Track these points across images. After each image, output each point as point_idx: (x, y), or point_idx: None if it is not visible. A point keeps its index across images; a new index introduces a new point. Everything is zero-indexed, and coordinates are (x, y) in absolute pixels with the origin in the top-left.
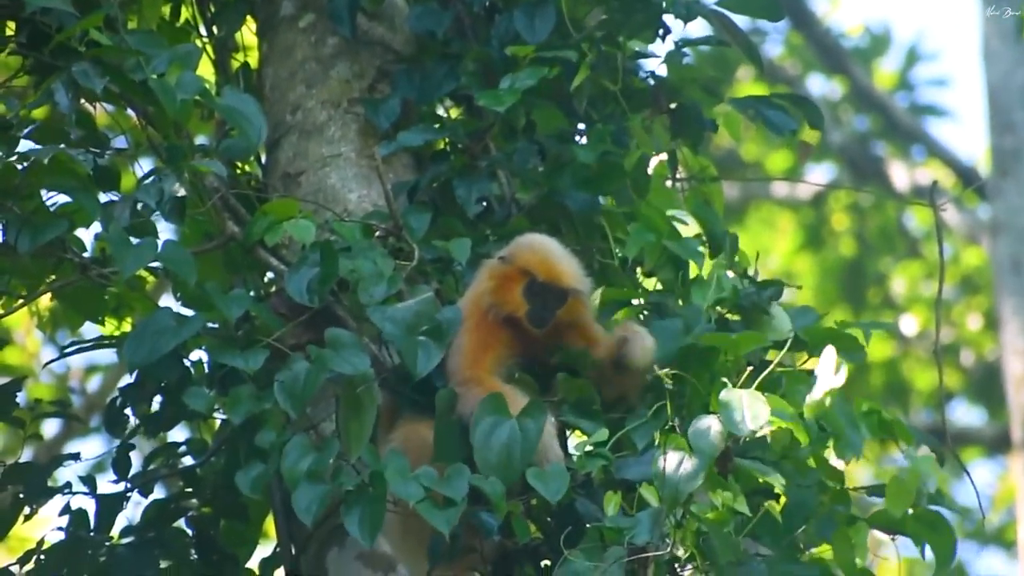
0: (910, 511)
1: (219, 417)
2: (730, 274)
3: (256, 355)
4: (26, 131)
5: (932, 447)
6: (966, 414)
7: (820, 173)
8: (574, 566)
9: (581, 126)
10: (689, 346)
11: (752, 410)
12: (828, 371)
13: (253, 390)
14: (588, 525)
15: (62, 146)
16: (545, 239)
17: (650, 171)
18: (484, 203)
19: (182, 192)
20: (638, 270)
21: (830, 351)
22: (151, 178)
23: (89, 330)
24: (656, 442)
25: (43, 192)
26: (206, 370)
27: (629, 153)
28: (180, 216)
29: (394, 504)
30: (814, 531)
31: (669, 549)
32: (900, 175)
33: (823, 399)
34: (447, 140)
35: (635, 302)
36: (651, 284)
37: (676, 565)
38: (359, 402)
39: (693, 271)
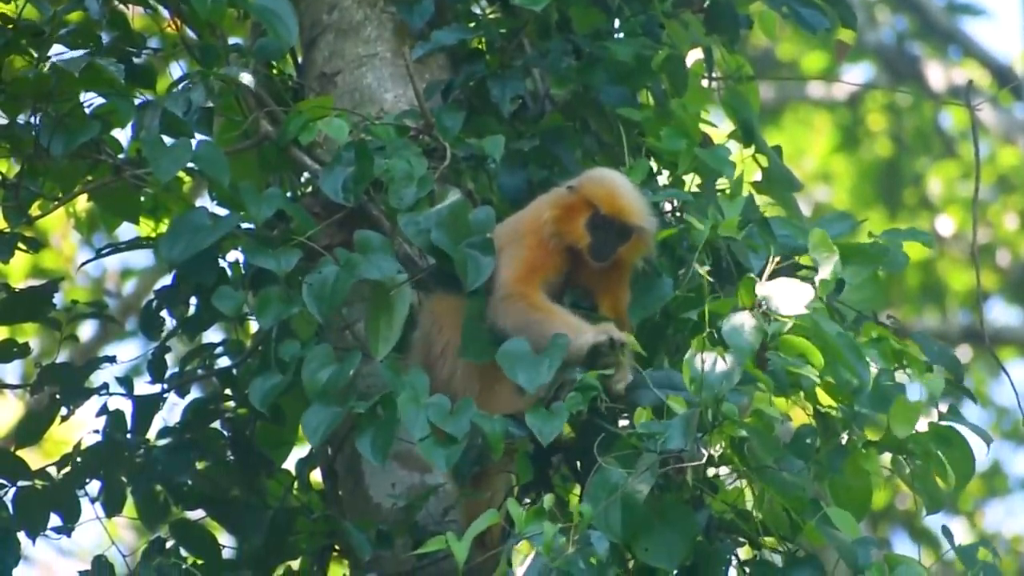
0: (923, 429)
1: (251, 318)
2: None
3: (288, 256)
4: (60, 34)
5: (972, 346)
6: (1003, 313)
7: (856, 73)
8: (607, 474)
9: (616, 23)
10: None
11: (790, 296)
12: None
13: (283, 292)
14: (621, 430)
15: (90, 55)
16: (615, 174)
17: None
18: (519, 100)
19: (209, 103)
20: (665, 173)
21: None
22: (180, 85)
23: (125, 232)
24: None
25: (80, 94)
26: (242, 271)
27: (664, 49)
28: (208, 126)
29: None
30: (825, 460)
31: (705, 453)
32: (936, 75)
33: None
34: (481, 39)
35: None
36: (687, 185)
37: (712, 470)
38: (389, 303)
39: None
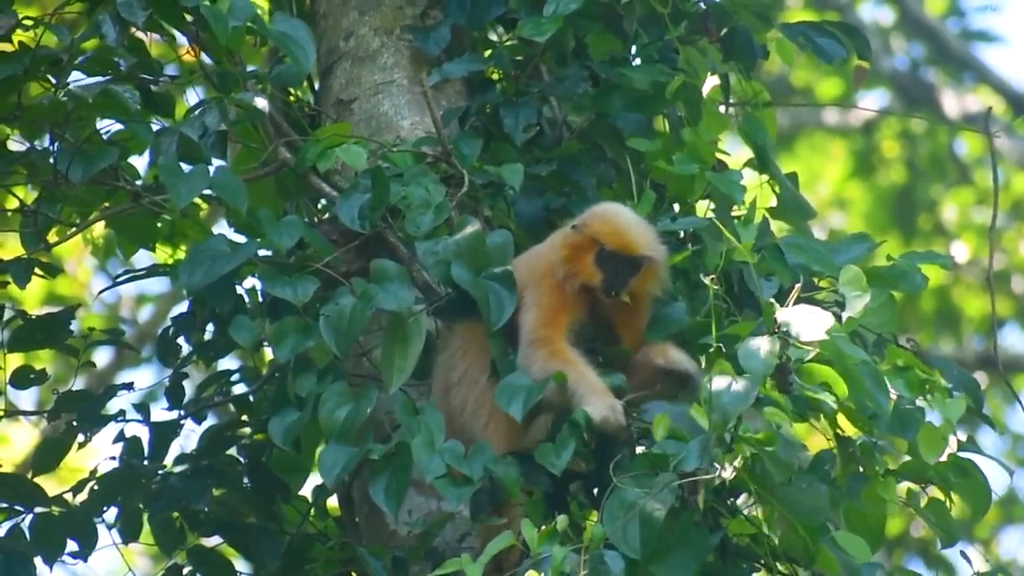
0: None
1: (268, 347)
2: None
3: (306, 285)
4: (77, 61)
5: (986, 373)
6: (1018, 340)
7: (871, 100)
8: (624, 494)
9: (633, 50)
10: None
11: (810, 322)
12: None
13: (301, 323)
14: (637, 452)
15: (107, 81)
16: (618, 207)
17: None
18: (537, 127)
19: (223, 127)
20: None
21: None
22: (197, 110)
23: (141, 258)
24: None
25: (97, 120)
26: (260, 298)
27: (679, 76)
28: (222, 150)
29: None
30: (844, 485)
31: (719, 473)
32: (951, 102)
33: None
34: (495, 68)
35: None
36: (701, 211)
37: (726, 489)
38: (405, 334)
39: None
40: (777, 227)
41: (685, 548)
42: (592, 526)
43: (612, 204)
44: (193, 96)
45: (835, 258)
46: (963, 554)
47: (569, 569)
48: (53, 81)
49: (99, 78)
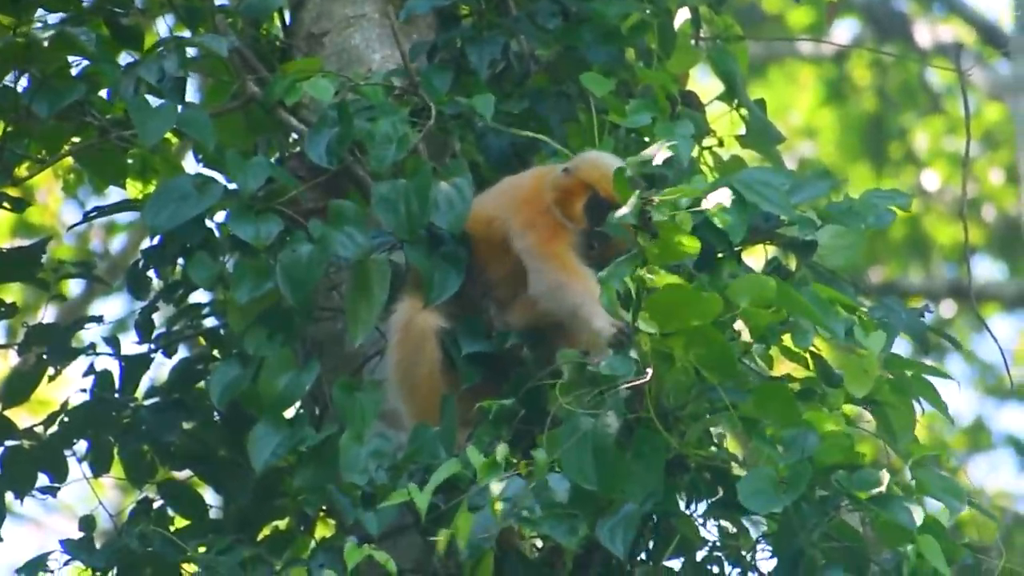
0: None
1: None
2: None
3: (269, 226)
4: None
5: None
6: (988, 269)
7: (843, 29)
8: (572, 422)
9: None
10: None
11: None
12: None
13: (261, 264)
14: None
15: (70, 18)
16: (610, 156)
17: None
18: (504, 62)
19: (180, 73)
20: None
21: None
22: (158, 50)
23: (113, 191)
24: None
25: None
26: (229, 233)
27: (644, 5)
28: (181, 94)
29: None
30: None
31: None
32: (923, 32)
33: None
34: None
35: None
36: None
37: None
38: (367, 281)
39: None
40: (747, 156)
41: (640, 468)
42: (537, 454)
43: (603, 152)
44: (163, 27)
45: (795, 196)
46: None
47: (515, 495)
48: (15, 19)
49: (62, 14)
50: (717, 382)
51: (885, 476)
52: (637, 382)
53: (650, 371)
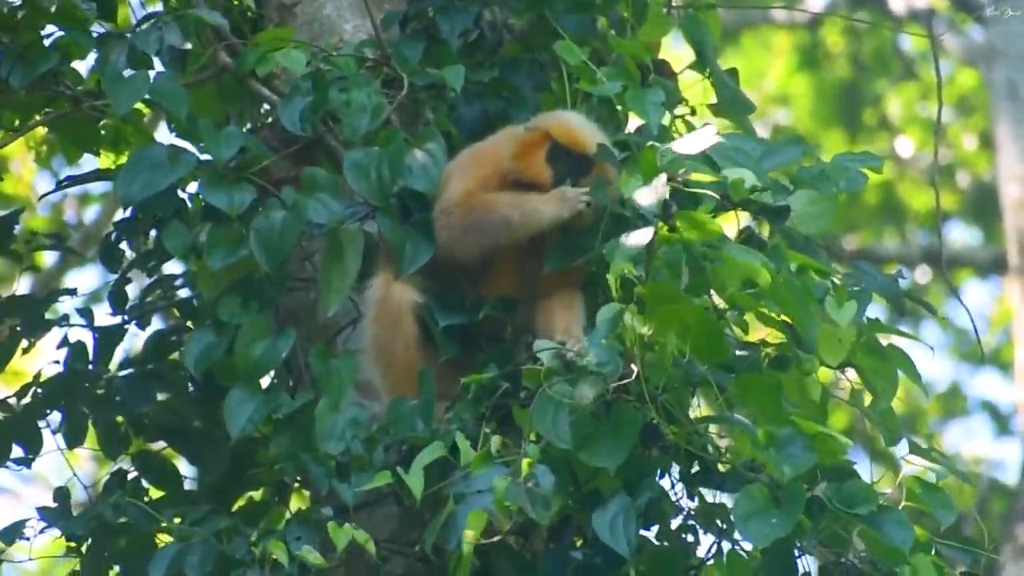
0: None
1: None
2: None
3: (242, 194)
4: None
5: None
6: (962, 235)
7: None
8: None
9: None
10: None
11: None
12: None
13: (234, 232)
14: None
15: None
16: (573, 112)
17: None
18: (478, 31)
19: (187, 45)
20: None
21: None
22: (150, 23)
23: (87, 161)
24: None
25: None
26: (201, 203)
27: None
28: (180, 66)
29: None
30: (767, 368)
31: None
32: None
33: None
34: None
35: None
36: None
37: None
38: (340, 249)
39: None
40: (720, 124)
41: (614, 436)
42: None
43: (567, 110)
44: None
45: (767, 162)
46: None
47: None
48: None
49: None
50: (704, 365)
51: (877, 490)
52: (623, 381)
53: (635, 367)
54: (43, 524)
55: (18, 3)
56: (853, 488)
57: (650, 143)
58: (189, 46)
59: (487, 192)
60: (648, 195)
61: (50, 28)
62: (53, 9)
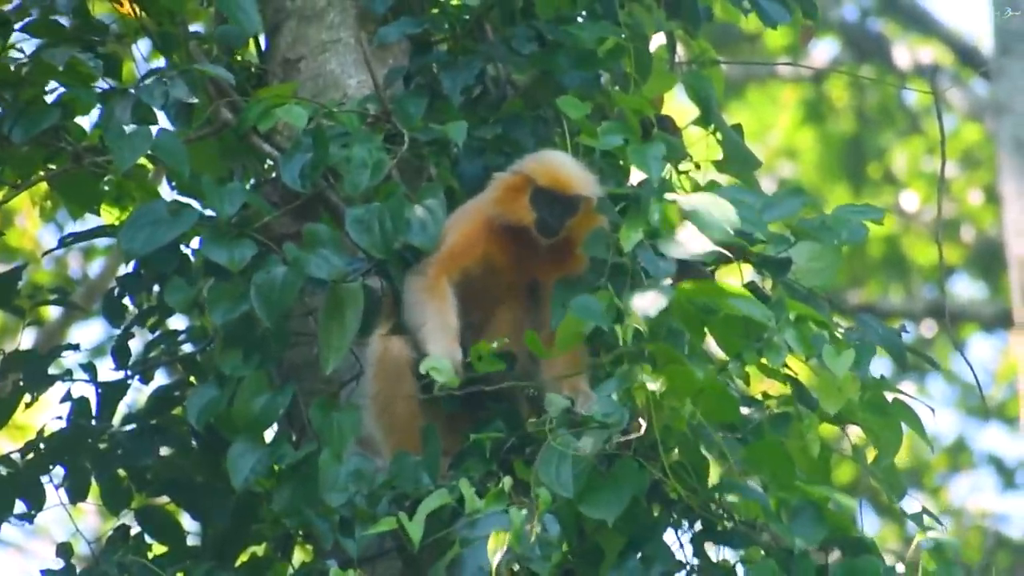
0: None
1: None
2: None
3: (243, 249)
4: (19, 25)
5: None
6: (967, 289)
7: (821, 49)
8: (558, 443)
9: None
10: None
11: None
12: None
13: (236, 288)
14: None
15: (55, 44)
16: (558, 152)
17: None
18: (481, 87)
19: (193, 99)
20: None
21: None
22: (153, 78)
23: (90, 217)
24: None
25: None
26: (204, 257)
27: (618, 30)
28: (187, 120)
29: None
30: (769, 426)
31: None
32: (901, 52)
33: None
34: (428, 29)
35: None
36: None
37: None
38: (340, 305)
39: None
40: (725, 180)
41: (615, 489)
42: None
43: (550, 150)
44: (138, 52)
45: (767, 213)
46: (905, 510)
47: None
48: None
49: (38, 40)
50: (715, 428)
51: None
52: (628, 436)
53: (642, 422)
54: None
55: (24, 60)
56: (866, 565)
57: (668, 196)
58: (195, 100)
59: (455, 265)
60: (695, 244)
61: (53, 83)
62: (60, 68)
